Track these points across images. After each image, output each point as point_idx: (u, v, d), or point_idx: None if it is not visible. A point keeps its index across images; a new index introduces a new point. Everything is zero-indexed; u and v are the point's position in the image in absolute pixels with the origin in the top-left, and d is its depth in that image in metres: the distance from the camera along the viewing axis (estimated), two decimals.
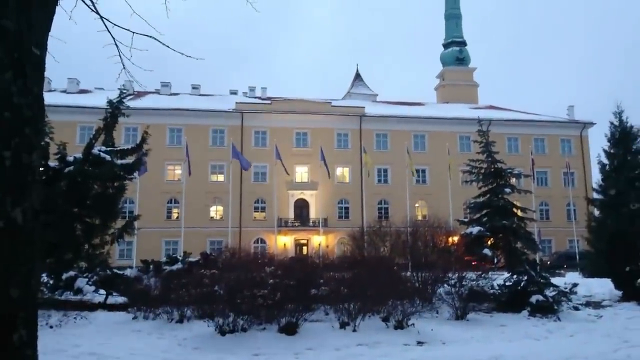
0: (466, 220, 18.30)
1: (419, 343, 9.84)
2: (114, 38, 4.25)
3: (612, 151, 22.80)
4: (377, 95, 61.41)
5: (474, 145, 21.15)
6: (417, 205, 46.69)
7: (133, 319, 11.47)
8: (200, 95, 53.15)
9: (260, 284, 10.90)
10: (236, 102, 48.94)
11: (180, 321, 11.21)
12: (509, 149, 48.28)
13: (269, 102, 50.38)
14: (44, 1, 2.69)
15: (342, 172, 48.88)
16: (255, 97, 53.34)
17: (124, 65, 4.75)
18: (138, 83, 5.27)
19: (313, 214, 47.53)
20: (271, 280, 11.05)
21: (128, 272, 15.55)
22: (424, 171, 49.01)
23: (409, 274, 14.49)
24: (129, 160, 16.21)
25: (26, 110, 2.48)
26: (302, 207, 48.00)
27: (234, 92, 55.20)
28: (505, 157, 21.89)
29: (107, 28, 4.11)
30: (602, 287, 17.23)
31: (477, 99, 62.15)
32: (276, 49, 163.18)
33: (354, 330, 10.37)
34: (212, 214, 46.86)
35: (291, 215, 47.48)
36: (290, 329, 10.01)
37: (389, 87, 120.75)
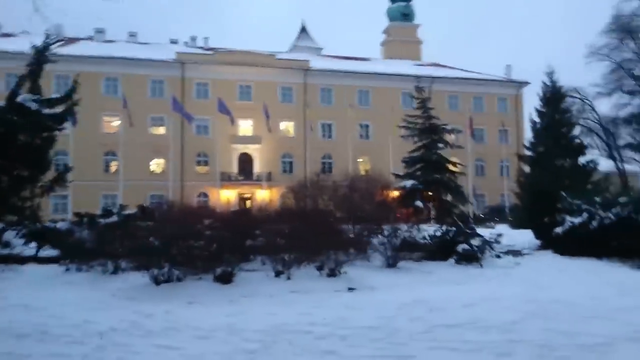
0: (402, 174, 18.92)
1: (350, 289, 10.35)
2: None
3: (543, 110, 23.88)
4: (322, 49, 60.82)
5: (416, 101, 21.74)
6: (360, 160, 47.46)
7: (65, 271, 11.32)
8: (138, 43, 50.62)
9: (196, 236, 11.00)
10: (177, 52, 47.11)
11: (115, 272, 11.19)
12: (450, 106, 49.50)
13: (211, 52, 48.82)
14: None
15: (286, 126, 48.75)
16: (197, 47, 51.47)
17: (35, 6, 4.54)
18: (61, 30, 5.04)
19: (257, 168, 47.45)
20: (208, 232, 11.16)
21: (60, 224, 15.13)
22: (367, 126, 49.70)
23: (346, 226, 14.98)
24: (58, 110, 15.43)
25: None
26: (245, 161, 47.74)
27: (174, 42, 52.96)
28: (446, 114, 22.67)
29: None
30: (524, 237, 18.52)
31: (421, 56, 62.82)
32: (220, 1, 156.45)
33: (288, 279, 10.75)
34: (153, 167, 45.80)
35: (235, 169, 47.18)
36: (225, 278, 10.24)
37: (335, 42, 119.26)
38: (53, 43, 16.03)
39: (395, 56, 59.89)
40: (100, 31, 49.40)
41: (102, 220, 14.45)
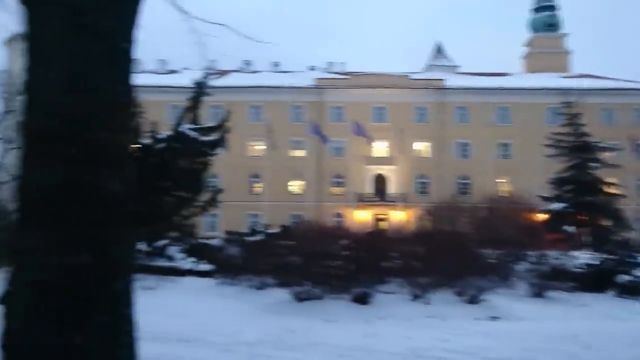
0: (549, 196, 17.53)
1: (492, 318, 9.82)
2: (191, 27, 4.65)
3: None
4: (458, 67, 59.23)
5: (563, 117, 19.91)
6: (500, 181, 44.99)
7: (218, 284, 12.38)
8: (279, 72, 54.13)
9: (334, 256, 11.35)
10: (315, 78, 49.41)
11: (261, 288, 11.94)
12: (605, 121, 44.73)
13: (347, 76, 50.38)
14: (132, 2, 3.06)
15: (421, 147, 48.12)
16: (334, 73, 53.49)
17: (200, 52, 5.18)
18: (215, 65, 5.69)
19: (392, 189, 47.43)
20: (345, 253, 11.45)
21: (214, 241, 16.67)
22: (507, 145, 47.06)
23: (485, 250, 14.29)
24: (213, 137, 17.16)
25: (119, 97, 2.91)
26: (380, 182, 48.03)
27: (312, 68, 55.67)
28: (600, 129, 20.58)
29: (186, 19, 4.51)
30: None
31: (568, 67, 58.04)
32: (356, 24, 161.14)
33: (426, 303, 10.54)
34: (292, 188, 48.15)
35: (370, 190, 47.70)
36: (362, 299, 10.37)
37: (471, 59, 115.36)
38: (209, 77, 17.98)
39: (539, 69, 56.06)
40: (247, 63, 53.87)
41: (249, 239, 15.63)
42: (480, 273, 11.58)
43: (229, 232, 16.62)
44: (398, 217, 44.74)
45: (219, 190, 17.84)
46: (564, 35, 60.85)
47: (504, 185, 44.91)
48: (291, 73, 53.90)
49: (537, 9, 62.68)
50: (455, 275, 11.42)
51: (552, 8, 61.85)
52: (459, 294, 11.27)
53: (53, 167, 2.61)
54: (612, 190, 16.32)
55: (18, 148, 2.85)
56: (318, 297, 10.58)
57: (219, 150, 18.57)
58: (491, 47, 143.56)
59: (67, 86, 2.70)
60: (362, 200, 46.68)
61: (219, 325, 8.10)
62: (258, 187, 47.07)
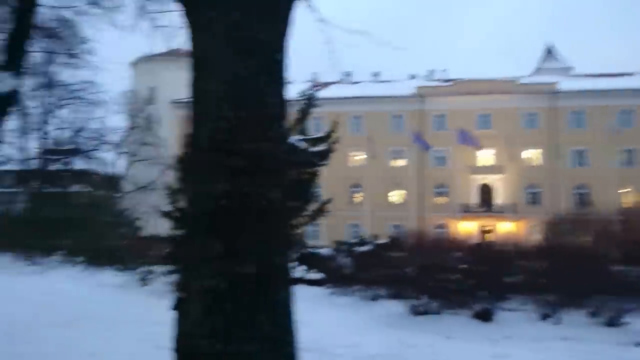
0: None
1: (638, 344, 8.76)
2: (327, 38, 4.62)
3: None
4: (572, 68, 55.13)
5: None
6: (625, 190, 40.92)
7: (331, 294, 12.36)
8: (379, 82, 53.98)
9: (451, 269, 10.86)
10: (416, 87, 48.56)
11: (374, 299, 11.75)
12: None
13: (450, 84, 48.95)
14: (285, 14, 3.06)
15: (531, 154, 45.24)
16: (435, 80, 52.28)
17: (332, 61, 5.14)
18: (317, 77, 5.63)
19: (499, 199, 45.07)
20: (462, 266, 10.92)
21: (322, 251, 16.79)
22: (631, 151, 42.76)
23: (618, 267, 12.92)
24: (320, 148, 17.33)
25: (276, 108, 2.90)
26: (486, 192, 45.85)
27: (413, 77, 54.86)
28: None
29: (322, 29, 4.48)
30: None
31: None
32: (457, 29, 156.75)
33: (556, 324, 9.69)
34: (393, 198, 47.52)
35: (474, 200, 45.71)
36: (484, 316, 9.78)
37: (586, 59, 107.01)
38: (314, 89, 18.28)
39: None
40: (347, 74, 54.38)
41: (358, 249, 15.53)
42: (616, 293, 10.45)
43: (337, 242, 16.63)
44: (506, 228, 42.35)
45: (327, 201, 17.97)
46: None
47: (629, 196, 40.79)
48: (391, 82, 53.53)
49: None
50: (586, 294, 10.41)
51: None
52: (593, 314, 10.24)
53: (218, 178, 2.64)
54: None
55: (178, 163, 2.92)
56: (435, 312, 10.16)
57: (325, 161, 18.73)
58: (607, 48, 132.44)
59: (229, 98, 2.73)
60: (467, 211, 44.82)
61: (337, 335, 8.02)
62: (358, 197, 47.07)
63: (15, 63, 7.74)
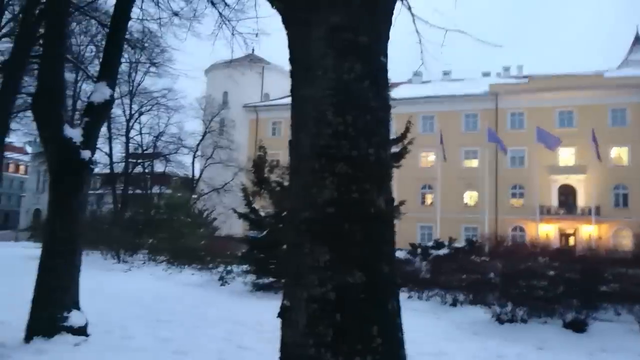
0: None
1: None
2: (419, 35, 4.48)
3: None
4: None
5: None
6: None
7: (408, 297, 12.11)
8: (451, 80, 52.60)
9: (537, 275, 10.29)
10: (490, 84, 46.82)
11: (454, 305, 11.38)
12: None
13: (526, 81, 46.78)
14: (386, 15, 2.97)
15: (618, 152, 42.23)
16: (511, 77, 50.20)
17: (422, 60, 5.00)
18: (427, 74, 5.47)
19: (581, 201, 42.46)
20: (551, 272, 10.32)
21: (398, 254, 16.54)
22: None
23: None
24: (395, 149, 17.08)
25: (380, 112, 2.81)
26: (567, 193, 43.34)
27: (486, 74, 53.01)
28: None
29: (416, 29, 4.36)
30: None
31: None
32: (534, 25, 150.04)
33: None
34: (466, 200, 46.09)
35: (554, 202, 43.34)
36: (578, 326, 9.16)
37: None
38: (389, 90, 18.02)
39: None
40: (417, 74, 53.39)
41: (433, 252, 15.14)
42: None
43: (412, 245, 16.29)
44: (588, 232, 39.79)
45: (401, 202, 17.67)
46: None
47: None
48: (463, 80, 52.01)
49: None
50: None
51: None
52: None
53: (324, 185, 2.59)
54: None
55: (292, 168, 2.89)
56: (522, 320, 9.65)
57: (399, 163, 18.45)
58: None
59: (334, 104, 2.68)
60: (546, 213, 42.55)
61: (422, 343, 7.79)
62: (430, 199, 46.11)
63: (109, 74, 8.23)
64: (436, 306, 11.51)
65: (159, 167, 44.70)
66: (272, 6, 3.18)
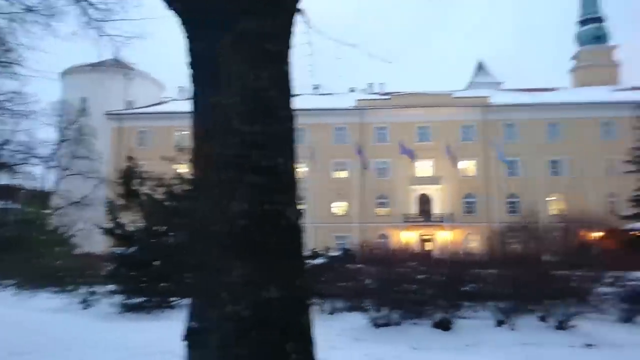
0: (629, 214, 16.68)
1: (588, 345, 9.20)
2: (313, 49, 4.53)
3: None
4: (502, 83, 58.28)
5: (619, 131, 18.67)
6: (551, 198, 43.56)
7: None
8: (320, 94, 54.47)
9: (409, 280, 10.97)
10: (356, 100, 49.45)
11: (332, 313, 11.65)
12: None
13: (387, 97, 50.24)
14: (290, 23, 2.92)
15: (468, 165, 47.14)
16: (374, 93, 53.52)
17: (312, 73, 5.06)
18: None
19: (437, 209, 46.54)
20: (420, 276, 11.06)
21: None
22: (557, 162, 45.54)
23: (559, 272, 13.59)
24: None
25: (288, 121, 2.77)
26: (425, 202, 47.25)
27: (352, 90, 55.89)
28: None
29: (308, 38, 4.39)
30: None
31: (618, 80, 56.18)
32: (394, 44, 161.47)
33: (512, 329, 10.00)
34: (335, 210, 47.88)
35: (414, 210, 46.95)
36: (444, 325, 9.93)
37: (515, 75, 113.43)
38: None
39: (588, 83, 54.53)
40: None
41: (310, 262, 15.37)
42: (560, 297, 10.96)
43: None
44: (444, 237, 43.76)
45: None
46: (613, 47, 59.17)
47: (555, 204, 43.43)
48: (332, 95, 54.18)
49: (583, 22, 61.36)
50: (536, 299, 10.85)
51: (598, 20, 60.41)
52: (543, 319, 10.68)
53: (234, 197, 2.47)
54: None
55: (193, 180, 2.70)
56: (396, 323, 10.20)
57: None
58: (538, 63, 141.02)
59: (242, 112, 2.57)
60: (408, 221, 45.92)
61: None
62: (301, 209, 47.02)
63: None
64: (315, 315, 11.69)
65: (4, 179, 39.62)
66: (169, 6, 2.96)
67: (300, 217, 2.71)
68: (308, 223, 40.66)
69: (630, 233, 15.07)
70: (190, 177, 3.27)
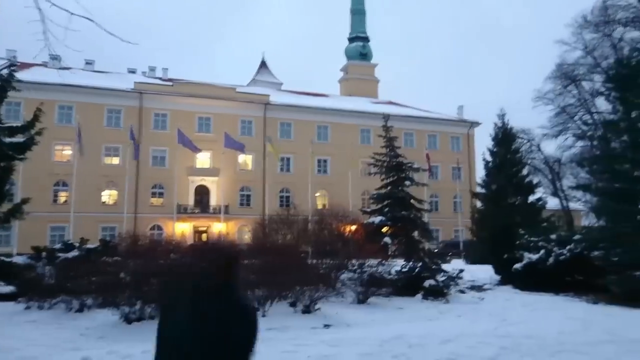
0: (369, 210, 19.28)
1: (326, 326, 10.33)
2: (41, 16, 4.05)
3: (495, 150, 24.69)
4: (282, 84, 61.62)
5: (374, 138, 21.77)
6: (318, 194, 47.84)
7: (26, 309, 10.73)
8: (94, 71, 49.61)
9: (168, 272, 10.72)
10: (135, 82, 46.44)
11: (81, 310, 10.71)
12: (406, 143, 50.51)
13: (170, 83, 48.48)
14: None
15: (245, 159, 48.50)
16: (156, 78, 51.04)
17: (48, 43, 4.52)
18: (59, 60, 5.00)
19: (214, 200, 46.78)
20: (180, 269, 10.91)
21: (17, 259, 14.38)
22: (325, 161, 50.23)
23: (313, 261, 14.98)
24: (19, 138, 14.96)
25: None
26: (202, 193, 47.03)
27: (132, 71, 52.34)
28: (403, 151, 23.18)
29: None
30: (484, 272, 19.08)
31: (377, 94, 64.75)
32: (181, 29, 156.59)
33: (264, 316, 10.62)
34: (105, 198, 44.28)
35: (191, 201, 46.31)
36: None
37: (294, 78, 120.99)
38: (6, 68, 15.60)
39: (353, 93, 61.51)
40: (54, 57, 48.00)
41: (62, 255, 13.89)
42: (311, 283, 12.09)
43: (36, 248, 14.48)
44: (220, 229, 44.25)
45: (24, 200, 15.52)
46: (374, 65, 67.79)
47: (321, 199, 47.84)
48: (108, 74, 49.86)
49: (352, 39, 68.86)
50: (288, 286, 11.73)
51: (364, 39, 68.53)
52: (293, 304, 11.62)
53: None
54: (420, 205, 18.70)
55: None
56: (150, 317, 9.87)
57: (24, 155, 16.24)
58: (314, 68, 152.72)
59: None
60: (183, 212, 45.07)
61: (38, 357, 7.03)
62: (64, 197, 42.19)
63: None
64: (60, 314, 10.57)
65: None
66: None
67: None
68: (71, 212, 36.93)
69: (373, 226, 17.60)
70: None
